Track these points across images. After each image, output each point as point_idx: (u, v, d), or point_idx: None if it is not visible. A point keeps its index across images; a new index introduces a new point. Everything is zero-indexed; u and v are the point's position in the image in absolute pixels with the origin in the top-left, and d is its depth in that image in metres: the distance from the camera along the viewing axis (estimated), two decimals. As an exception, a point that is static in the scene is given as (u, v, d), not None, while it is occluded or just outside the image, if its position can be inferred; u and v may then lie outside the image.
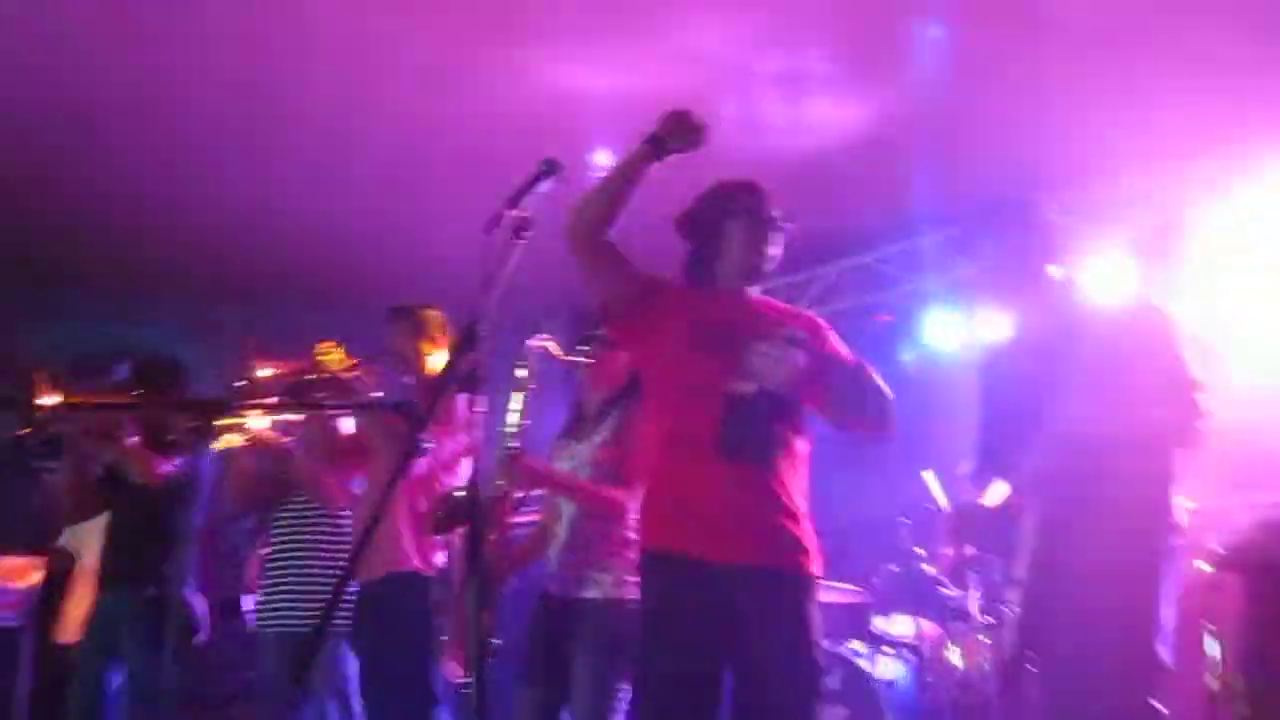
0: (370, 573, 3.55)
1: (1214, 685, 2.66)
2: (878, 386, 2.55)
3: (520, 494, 3.28)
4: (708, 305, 2.67)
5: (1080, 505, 2.47)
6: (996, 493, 2.74)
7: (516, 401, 3.09)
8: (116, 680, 4.02)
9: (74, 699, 3.98)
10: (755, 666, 2.44)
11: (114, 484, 4.08)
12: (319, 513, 3.96)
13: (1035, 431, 2.56)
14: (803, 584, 2.49)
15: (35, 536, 5.28)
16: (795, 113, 4.93)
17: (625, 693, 3.01)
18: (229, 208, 5.65)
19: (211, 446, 3.82)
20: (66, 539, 5.03)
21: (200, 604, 4.15)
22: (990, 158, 4.89)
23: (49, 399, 3.50)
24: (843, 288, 6.38)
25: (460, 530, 3.29)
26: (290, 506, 4.01)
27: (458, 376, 2.00)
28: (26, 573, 4.91)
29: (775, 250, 2.71)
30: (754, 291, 2.75)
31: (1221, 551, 2.90)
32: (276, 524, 4.04)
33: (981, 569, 4.95)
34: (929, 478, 4.74)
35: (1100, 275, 4.48)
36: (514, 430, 3.09)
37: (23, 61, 4.44)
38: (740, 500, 2.46)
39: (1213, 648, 2.72)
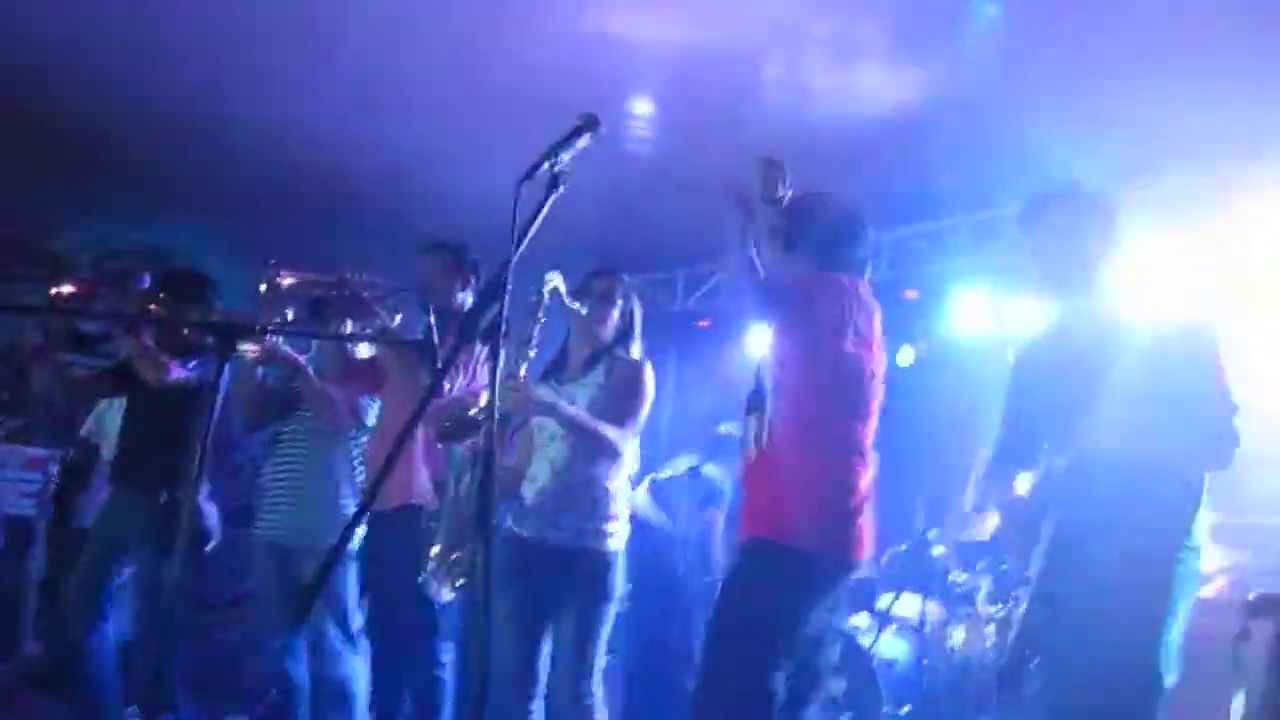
0: (381, 504, 3.56)
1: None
2: None
3: (517, 423, 3.35)
4: None
5: (1100, 519, 2.41)
6: (1022, 485, 2.68)
7: (531, 329, 3.14)
8: (122, 576, 4.08)
9: (75, 585, 4.03)
10: None
11: (129, 380, 4.08)
12: (324, 430, 3.97)
13: (1064, 435, 2.48)
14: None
15: (56, 427, 5.36)
16: (842, 80, 4.81)
17: (602, 638, 3.18)
18: (271, 123, 5.59)
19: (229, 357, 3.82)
20: (90, 427, 5.09)
21: (212, 511, 4.19)
22: (1033, 144, 4.73)
23: (69, 291, 3.51)
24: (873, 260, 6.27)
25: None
26: (296, 421, 4.02)
27: (480, 327, 1.97)
28: (45, 464, 4.97)
29: None
30: None
31: (1252, 598, 2.82)
32: (280, 437, 4.06)
33: (993, 557, 4.92)
34: None
35: (1143, 277, 4.34)
36: (522, 358, 3.13)
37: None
38: None
39: (1238, 700, 2.65)
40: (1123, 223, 2.72)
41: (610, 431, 3.22)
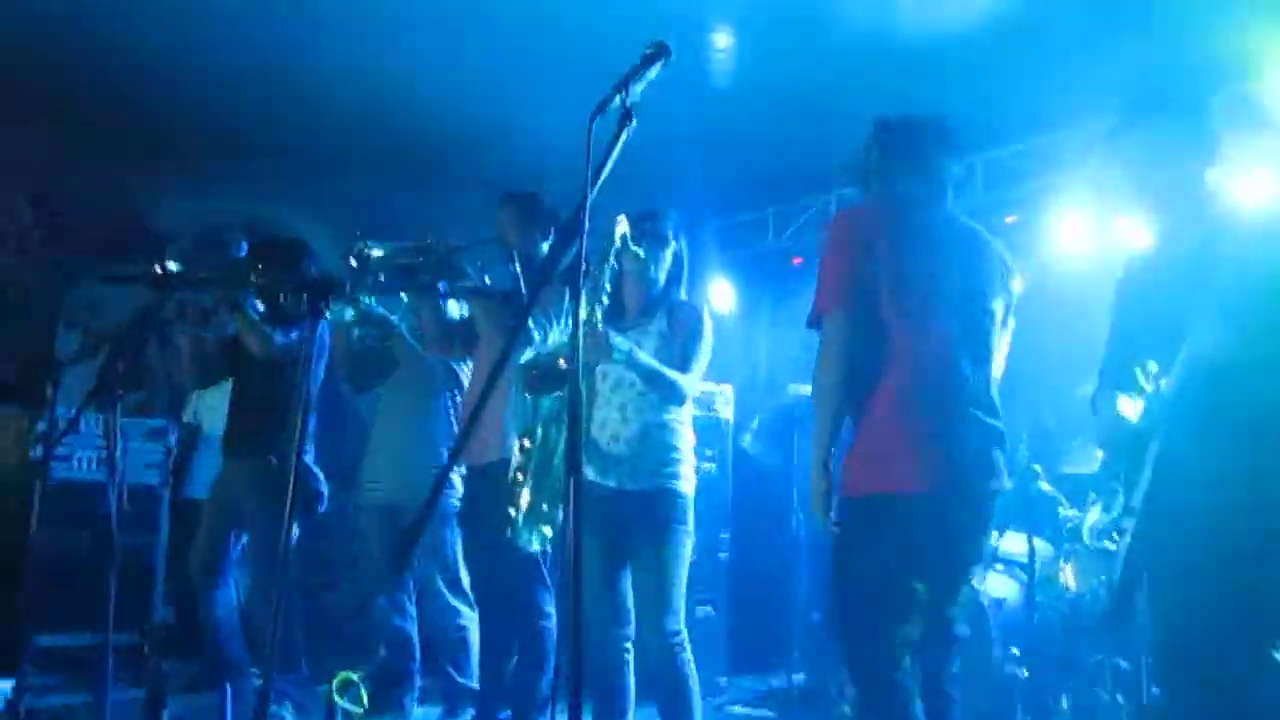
0: (475, 459, 3.62)
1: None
2: None
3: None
4: None
5: (1211, 430, 2.29)
6: (1125, 408, 2.55)
7: (604, 276, 3.13)
8: (240, 543, 4.24)
9: (197, 553, 4.21)
10: None
11: (236, 353, 4.22)
12: (422, 390, 4.04)
13: (1169, 352, 2.37)
14: None
15: (172, 401, 5.57)
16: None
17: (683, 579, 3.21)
18: (345, 80, 5.62)
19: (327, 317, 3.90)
20: (192, 408, 5.29)
21: (319, 474, 4.31)
22: (1129, 56, 4.49)
23: (174, 268, 3.63)
24: (970, 183, 6.05)
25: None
26: (395, 383, 4.10)
27: (559, 268, 1.96)
28: (164, 435, 5.17)
29: None
30: None
31: None
32: (381, 399, 4.15)
33: (1103, 490, 4.76)
34: None
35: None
36: (598, 305, 3.13)
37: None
38: None
39: None
40: (1222, 133, 2.57)
41: (680, 377, 3.23)
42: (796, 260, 6.76)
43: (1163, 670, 2.57)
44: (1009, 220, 5.99)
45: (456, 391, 4.20)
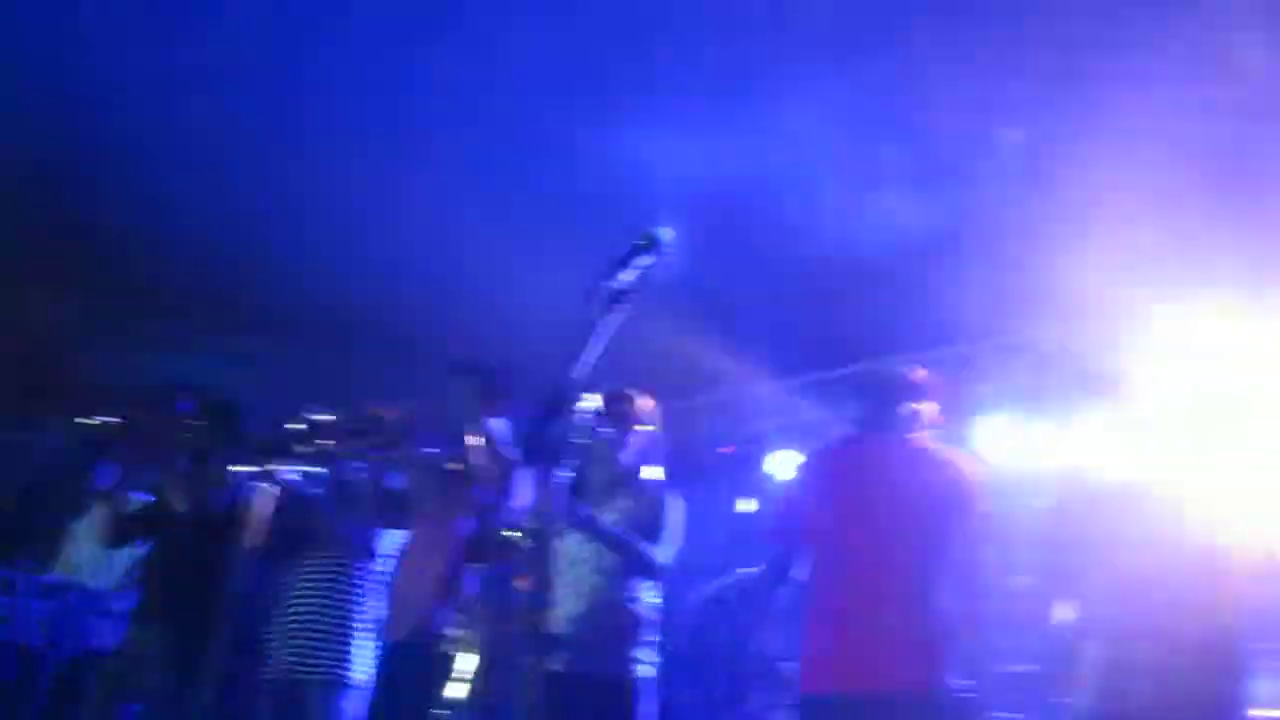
0: (400, 634, 3.49)
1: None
2: None
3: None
4: None
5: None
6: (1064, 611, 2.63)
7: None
8: (132, 713, 3.96)
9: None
10: None
11: (156, 515, 4.06)
12: (339, 564, 3.90)
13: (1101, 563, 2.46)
14: None
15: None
16: (862, 209, 4.90)
17: None
18: (298, 255, 5.67)
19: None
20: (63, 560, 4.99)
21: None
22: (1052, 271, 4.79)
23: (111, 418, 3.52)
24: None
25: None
26: (311, 556, 3.95)
27: (545, 445, 1.95)
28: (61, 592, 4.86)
29: None
30: None
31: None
32: (293, 573, 3.98)
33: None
34: None
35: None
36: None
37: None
38: None
39: None
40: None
41: (648, 549, 3.16)
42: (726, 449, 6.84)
43: None
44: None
45: (369, 562, 4.05)
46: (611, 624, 3.13)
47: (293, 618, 3.90)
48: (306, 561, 3.98)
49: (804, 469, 3.37)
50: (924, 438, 3.15)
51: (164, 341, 6.24)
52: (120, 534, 4.14)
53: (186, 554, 3.96)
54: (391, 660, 3.67)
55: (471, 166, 4.81)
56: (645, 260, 2.10)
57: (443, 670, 3.33)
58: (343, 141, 4.68)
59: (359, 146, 4.71)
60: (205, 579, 3.84)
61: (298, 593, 3.94)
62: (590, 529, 3.15)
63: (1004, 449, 5.74)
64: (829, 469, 3.21)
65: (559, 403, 1.93)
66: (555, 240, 4.47)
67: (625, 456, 3.33)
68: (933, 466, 3.01)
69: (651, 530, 3.21)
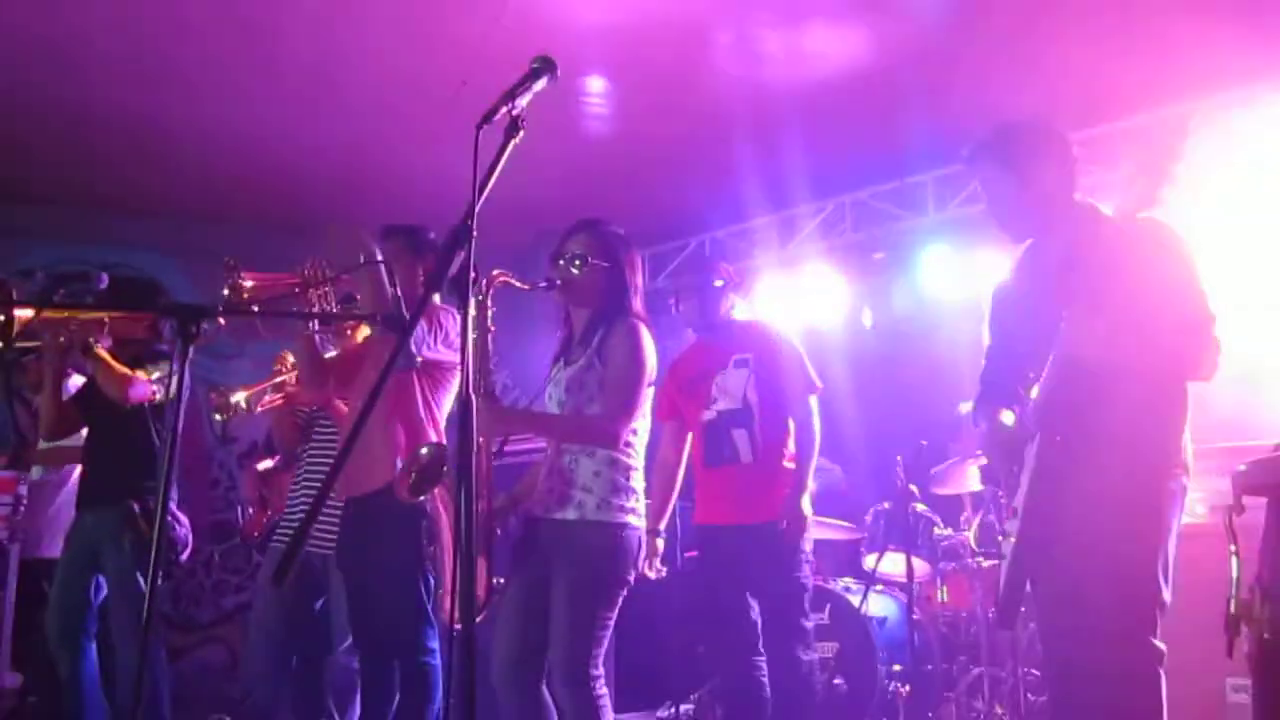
0: (354, 489, 3.49)
1: (1233, 608, 2.59)
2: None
3: (499, 441, 3.20)
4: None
5: (1081, 433, 2.38)
6: (1007, 418, 2.63)
7: (483, 347, 2.96)
8: (100, 594, 4.01)
9: (53, 614, 3.99)
10: None
11: (90, 402, 4.05)
12: (331, 436, 3.93)
13: (1038, 357, 2.46)
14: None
15: (16, 453, 5.24)
16: (792, 43, 4.80)
17: (605, 619, 2.99)
18: (213, 132, 5.53)
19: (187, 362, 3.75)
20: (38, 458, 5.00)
21: (184, 523, 4.13)
22: (987, 97, 4.74)
23: (26, 312, 3.44)
24: (837, 223, 6.29)
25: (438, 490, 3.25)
26: (315, 435, 4.00)
27: (446, 279, 1.92)
28: (10, 487, 4.85)
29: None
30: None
31: (1244, 469, 2.81)
32: (303, 454, 4.03)
33: (978, 504, 4.94)
34: None
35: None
36: (486, 376, 2.97)
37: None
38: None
39: (1235, 568, 2.64)
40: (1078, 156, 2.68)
41: (596, 425, 3.03)
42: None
43: (1052, 669, 2.64)
44: (876, 257, 6.23)
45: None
46: (583, 473, 3.04)
47: (303, 490, 3.95)
48: (312, 441, 4.02)
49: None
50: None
51: (84, 233, 6.11)
52: (58, 423, 4.12)
53: (117, 438, 3.98)
54: (351, 516, 3.70)
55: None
56: (540, 84, 2.04)
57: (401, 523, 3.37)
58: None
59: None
60: (140, 461, 3.90)
61: (307, 469, 3.98)
62: (529, 430, 3.17)
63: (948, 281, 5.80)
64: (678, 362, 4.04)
65: (463, 231, 1.89)
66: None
67: (587, 297, 3.15)
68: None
69: (610, 386, 3.06)
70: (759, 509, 3.76)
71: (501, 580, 3.06)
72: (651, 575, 3.75)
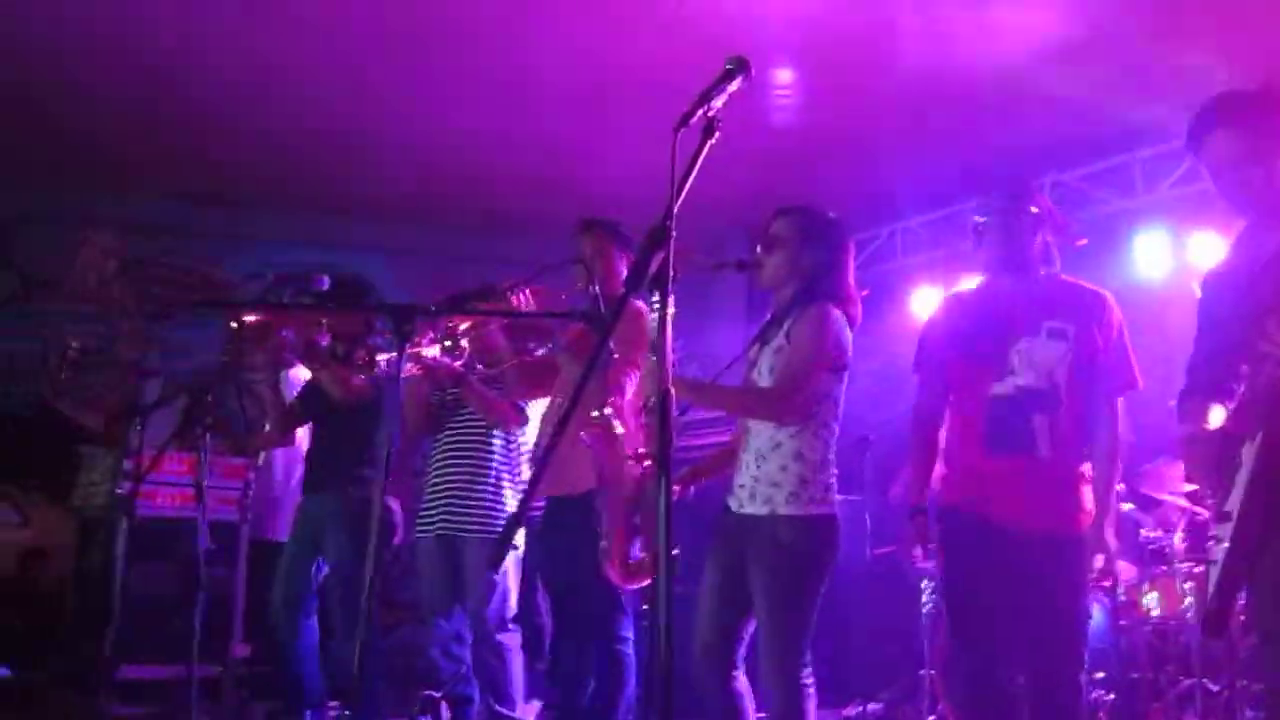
0: (556, 489, 3.64)
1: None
2: None
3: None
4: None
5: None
6: (1216, 417, 2.48)
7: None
8: (320, 575, 4.31)
9: (279, 587, 4.28)
10: None
11: (313, 399, 4.36)
12: (482, 430, 4.10)
13: (1251, 349, 2.31)
14: None
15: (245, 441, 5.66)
16: (981, 21, 4.65)
17: (807, 613, 3.01)
18: (419, 140, 5.83)
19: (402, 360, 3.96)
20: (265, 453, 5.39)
21: (396, 508, 4.39)
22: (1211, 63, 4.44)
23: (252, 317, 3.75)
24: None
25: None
26: (454, 425, 4.16)
27: (645, 276, 1.98)
28: (242, 473, 5.25)
29: None
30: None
31: None
32: (438, 443, 4.21)
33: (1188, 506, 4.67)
34: None
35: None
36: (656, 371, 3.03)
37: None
38: None
39: None
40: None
41: (762, 397, 3.09)
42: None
43: (1266, 684, 2.48)
44: (1080, 244, 5.95)
45: (516, 429, 4.23)
46: (770, 463, 3.07)
47: (447, 481, 4.14)
48: (451, 430, 4.21)
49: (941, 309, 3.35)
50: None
51: (297, 236, 6.56)
52: (285, 419, 4.47)
53: (338, 431, 4.27)
54: (553, 514, 3.86)
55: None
56: (734, 85, 2.07)
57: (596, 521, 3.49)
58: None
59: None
60: (359, 451, 4.19)
61: (446, 458, 4.17)
62: (697, 402, 3.22)
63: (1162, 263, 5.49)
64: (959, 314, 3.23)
65: (662, 230, 1.94)
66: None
67: (779, 278, 3.19)
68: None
69: (791, 361, 3.07)
70: (1052, 515, 2.99)
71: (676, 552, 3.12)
72: (919, 557, 3.20)
